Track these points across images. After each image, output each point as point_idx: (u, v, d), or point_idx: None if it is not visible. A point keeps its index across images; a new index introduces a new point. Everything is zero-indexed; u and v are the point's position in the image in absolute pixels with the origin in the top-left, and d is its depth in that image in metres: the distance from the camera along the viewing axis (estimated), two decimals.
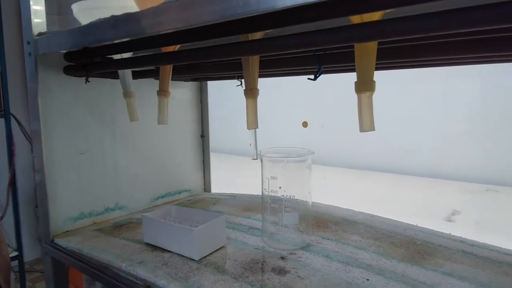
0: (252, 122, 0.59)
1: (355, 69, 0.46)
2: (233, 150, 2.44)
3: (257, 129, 0.63)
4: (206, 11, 0.39)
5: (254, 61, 0.58)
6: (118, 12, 0.50)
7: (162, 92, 0.67)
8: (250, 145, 0.64)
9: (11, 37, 1.96)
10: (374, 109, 0.46)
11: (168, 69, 0.66)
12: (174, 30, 0.46)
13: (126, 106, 0.72)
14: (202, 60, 0.52)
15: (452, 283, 0.51)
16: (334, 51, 0.55)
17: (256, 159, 0.63)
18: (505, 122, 1.54)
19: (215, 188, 1.10)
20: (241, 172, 1.82)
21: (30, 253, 2.41)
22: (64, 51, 0.69)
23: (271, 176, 0.62)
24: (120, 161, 0.86)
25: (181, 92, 1.01)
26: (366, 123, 0.45)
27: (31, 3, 0.68)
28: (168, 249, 0.63)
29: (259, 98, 0.61)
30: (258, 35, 0.52)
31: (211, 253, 0.62)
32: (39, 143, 0.72)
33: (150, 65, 0.69)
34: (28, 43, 0.70)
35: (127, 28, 0.49)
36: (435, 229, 0.71)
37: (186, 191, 1.03)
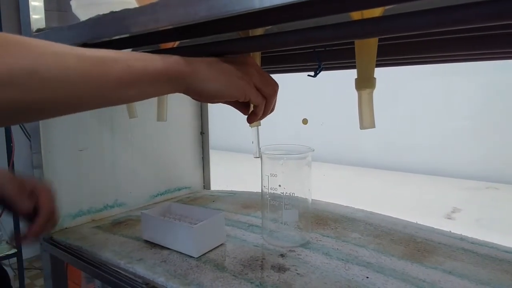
0: None
1: (355, 65, 0.46)
2: (233, 147, 2.44)
3: (259, 126, 0.62)
4: (204, 7, 0.39)
5: (255, 58, 0.58)
6: (117, 8, 0.50)
7: None
8: (252, 142, 0.64)
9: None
10: (374, 106, 0.45)
11: None
12: (172, 27, 0.45)
13: None
14: (201, 57, 0.51)
15: (452, 281, 0.51)
16: (334, 48, 0.55)
17: (258, 157, 0.62)
18: (505, 119, 1.54)
19: (215, 186, 1.10)
20: (240, 169, 1.82)
21: (29, 250, 2.41)
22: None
23: (270, 174, 0.61)
24: (119, 158, 0.85)
25: None
26: (366, 120, 0.45)
27: None
28: (167, 247, 0.63)
29: None
30: (258, 31, 0.51)
31: (210, 251, 0.62)
32: (38, 140, 0.71)
33: None
34: None
35: (126, 24, 0.48)
36: (435, 227, 0.71)
37: (185, 188, 1.03)
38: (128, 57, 0.36)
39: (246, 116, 0.50)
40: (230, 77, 0.43)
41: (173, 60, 0.39)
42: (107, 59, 0.34)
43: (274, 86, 0.47)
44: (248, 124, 0.53)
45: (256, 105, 0.47)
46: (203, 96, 0.43)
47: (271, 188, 0.62)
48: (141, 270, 0.56)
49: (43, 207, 0.54)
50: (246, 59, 0.46)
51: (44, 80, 0.29)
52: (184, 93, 0.43)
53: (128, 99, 0.37)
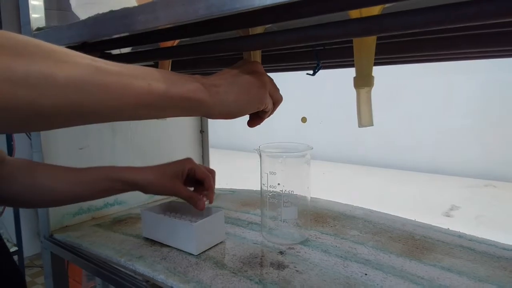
0: None
1: (354, 64, 0.46)
2: (232, 145, 2.44)
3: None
4: (203, 5, 0.39)
5: (256, 56, 0.58)
6: (117, 6, 0.50)
7: None
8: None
9: None
10: (373, 104, 0.46)
11: (166, 64, 0.66)
12: (172, 25, 0.46)
13: None
14: (201, 55, 0.52)
15: (450, 278, 0.51)
16: (333, 46, 0.55)
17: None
18: (504, 117, 1.54)
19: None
20: (240, 167, 1.82)
21: (29, 248, 2.42)
22: (63, 46, 0.68)
23: (270, 171, 0.62)
24: (119, 156, 0.86)
25: None
26: (364, 118, 0.45)
27: None
28: (167, 244, 0.64)
29: None
30: (258, 30, 0.51)
31: (210, 248, 0.62)
32: (38, 138, 0.71)
33: (149, 60, 0.69)
34: None
35: (125, 23, 0.49)
36: (433, 224, 0.71)
37: None
38: (148, 75, 0.35)
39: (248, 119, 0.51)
40: (251, 92, 0.43)
41: (195, 88, 0.38)
42: (126, 74, 0.34)
43: (279, 91, 0.48)
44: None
45: (268, 111, 0.47)
46: (226, 118, 0.43)
47: (270, 186, 0.62)
48: (141, 267, 0.57)
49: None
50: (258, 67, 0.46)
51: (60, 86, 0.29)
52: (206, 117, 0.43)
53: (143, 117, 0.36)
